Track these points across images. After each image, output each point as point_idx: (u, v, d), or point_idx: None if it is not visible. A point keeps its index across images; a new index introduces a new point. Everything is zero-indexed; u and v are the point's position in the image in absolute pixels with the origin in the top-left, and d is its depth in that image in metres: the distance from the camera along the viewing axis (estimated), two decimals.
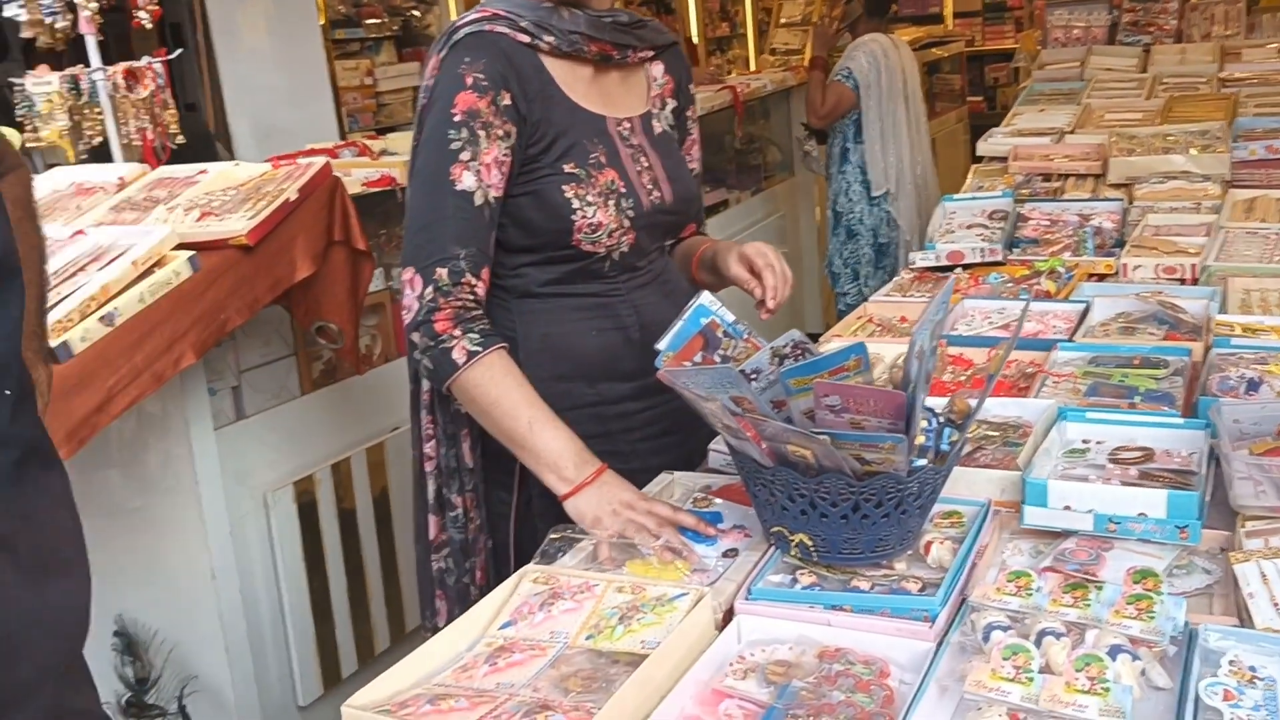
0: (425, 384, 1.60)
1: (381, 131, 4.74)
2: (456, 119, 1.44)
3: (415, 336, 1.45)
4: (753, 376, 1.18)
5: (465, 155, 1.44)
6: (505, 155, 1.47)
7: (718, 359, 1.27)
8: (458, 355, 1.42)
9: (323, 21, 4.41)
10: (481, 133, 1.44)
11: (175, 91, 2.63)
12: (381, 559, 2.62)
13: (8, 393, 1.23)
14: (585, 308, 1.56)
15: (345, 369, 2.47)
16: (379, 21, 4.95)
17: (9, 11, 2.38)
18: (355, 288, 2.11)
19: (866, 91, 4.14)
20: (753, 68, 7.05)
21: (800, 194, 5.16)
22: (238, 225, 1.87)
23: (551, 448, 1.39)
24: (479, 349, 1.42)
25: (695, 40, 6.98)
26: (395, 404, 2.64)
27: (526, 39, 1.49)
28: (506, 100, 1.46)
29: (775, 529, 1.20)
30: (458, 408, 1.56)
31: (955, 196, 2.85)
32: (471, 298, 1.45)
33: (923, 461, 1.15)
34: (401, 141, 2.99)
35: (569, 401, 1.52)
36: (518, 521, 1.63)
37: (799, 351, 1.18)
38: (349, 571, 2.53)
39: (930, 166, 4.50)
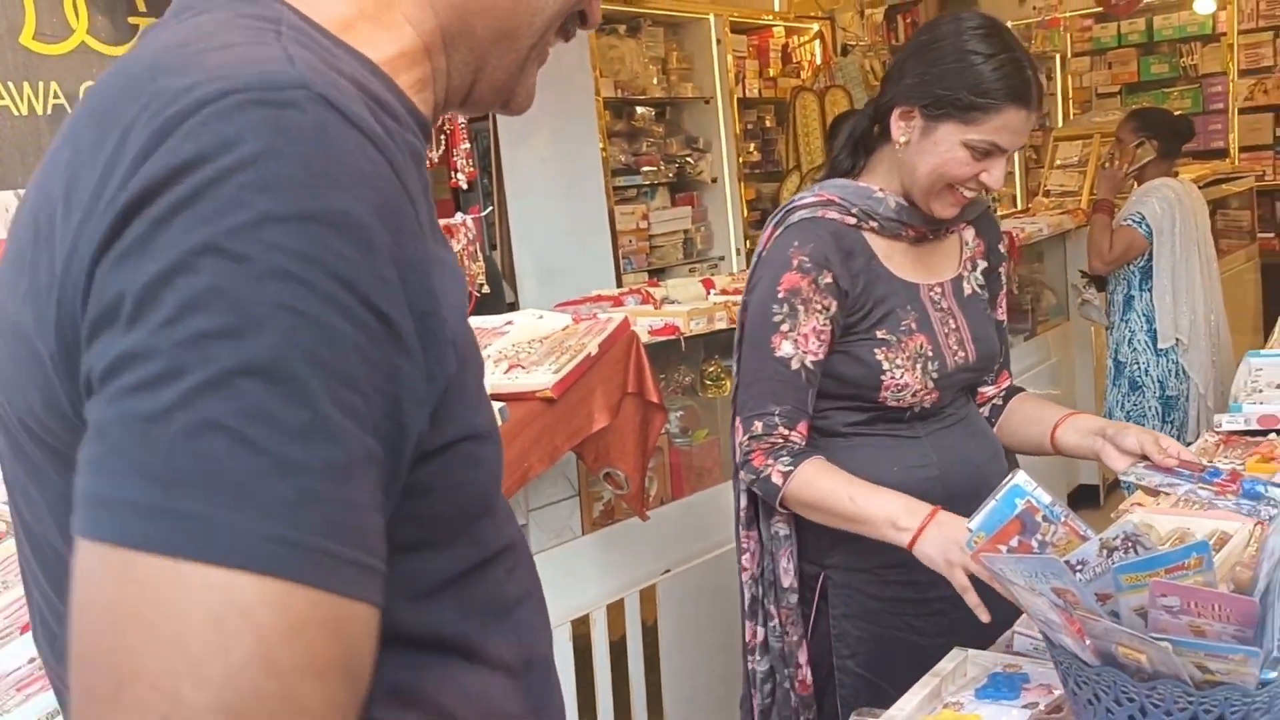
0: (743, 501, 1.80)
1: (654, 273, 4.94)
2: (780, 295, 1.64)
3: (742, 473, 1.68)
4: (1077, 568, 1.13)
5: (785, 327, 1.64)
6: (825, 325, 1.65)
7: (1035, 544, 1.23)
8: (775, 479, 1.63)
9: (605, 171, 4.68)
10: (801, 308, 1.64)
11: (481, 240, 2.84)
12: (648, 700, 2.63)
13: None
14: (886, 447, 1.71)
15: (623, 510, 2.54)
16: (655, 169, 5.19)
17: None
18: (645, 437, 2.19)
19: (1159, 238, 3.95)
20: (1019, 206, 6.92)
21: (1075, 339, 4.96)
22: (543, 379, 1.99)
23: (881, 508, 1.56)
24: (791, 467, 1.62)
25: None
26: (669, 547, 2.69)
27: (854, 221, 1.69)
28: (828, 279, 1.65)
29: None
30: (776, 529, 1.75)
31: (1262, 352, 2.66)
32: (781, 440, 1.65)
33: (1274, 674, 1.06)
34: (681, 289, 3.11)
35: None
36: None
37: (1131, 544, 1.13)
38: (617, 710, 2.56)
39: (1223, 315, 4.23)
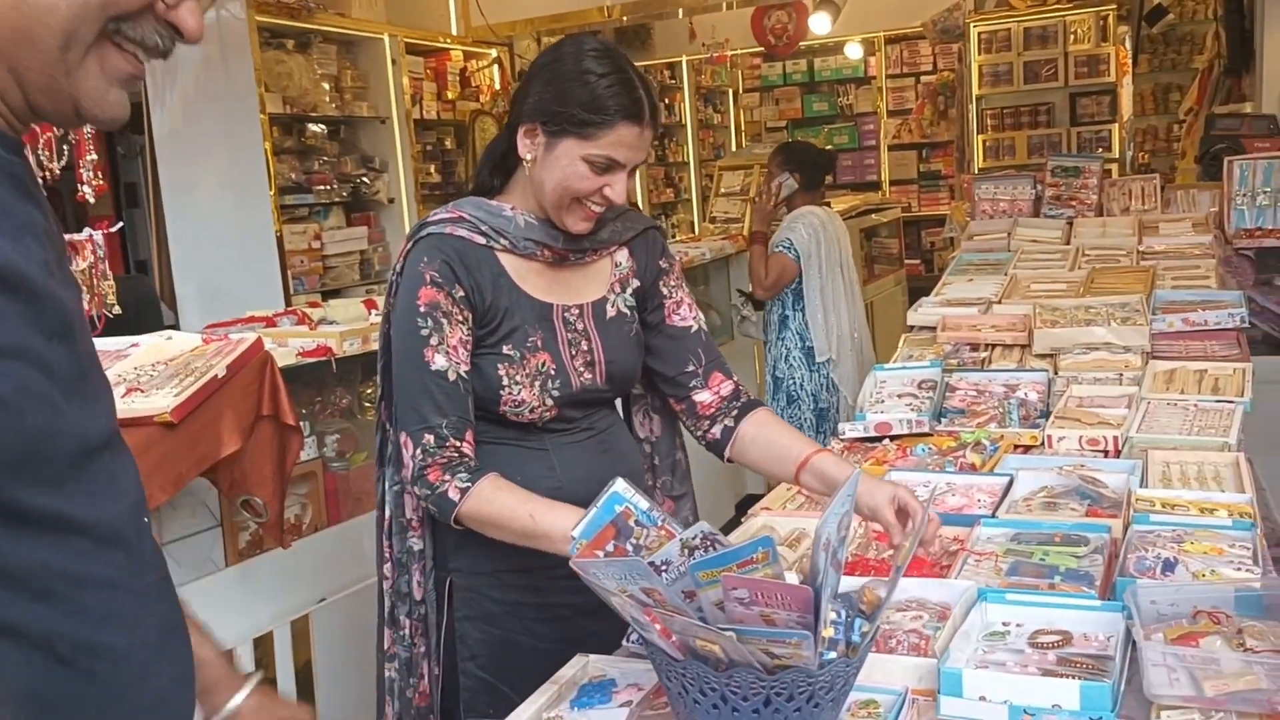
0: (387, 511, 1.80)
1: (327, 294, 4.79)
2: (421, 310, 1.65)
3: (416, 489, 1.64)
4: (663, 568, 1.18)
5: (434, 340, 1.65)
6: (467, 336, 1.68)
7: (629, 548, 1.27)
8: (453, 494, 1.59)
9: (272, 189, 4.49)
10: (444, 320, 1.65)
11: (126, 251, 2.65)
12: None
13: None
14: (512, 457, 1.72)
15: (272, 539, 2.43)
16: (328, 188, 5.04)
17: None
18: (282, 462, 2.09)
19: (808, 261, 4.25)
20: (696, 232, 7.25)
21: (740, 358, 5.23)
22: (162, 402, 1.86)
23: (559, 524, 1.49)
24: (468, 484, 1.59)
25: (640, 206, 7.18)
26: (323, 575, 2.59)
27: (483, 240, 1.70)
28: (460, 293, 1.67)
29: None
30: (411, 543, 1.78)
31: (886, 366, 2.89)
32: (456, 454, 1.63)
33: (834, 654, 1.14)
34: (341, 310, 3.01)
35: (500, 544, 1.61)
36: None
37: (709, 543, 1.18)
38: None
39: (866, 332, 4.60)
